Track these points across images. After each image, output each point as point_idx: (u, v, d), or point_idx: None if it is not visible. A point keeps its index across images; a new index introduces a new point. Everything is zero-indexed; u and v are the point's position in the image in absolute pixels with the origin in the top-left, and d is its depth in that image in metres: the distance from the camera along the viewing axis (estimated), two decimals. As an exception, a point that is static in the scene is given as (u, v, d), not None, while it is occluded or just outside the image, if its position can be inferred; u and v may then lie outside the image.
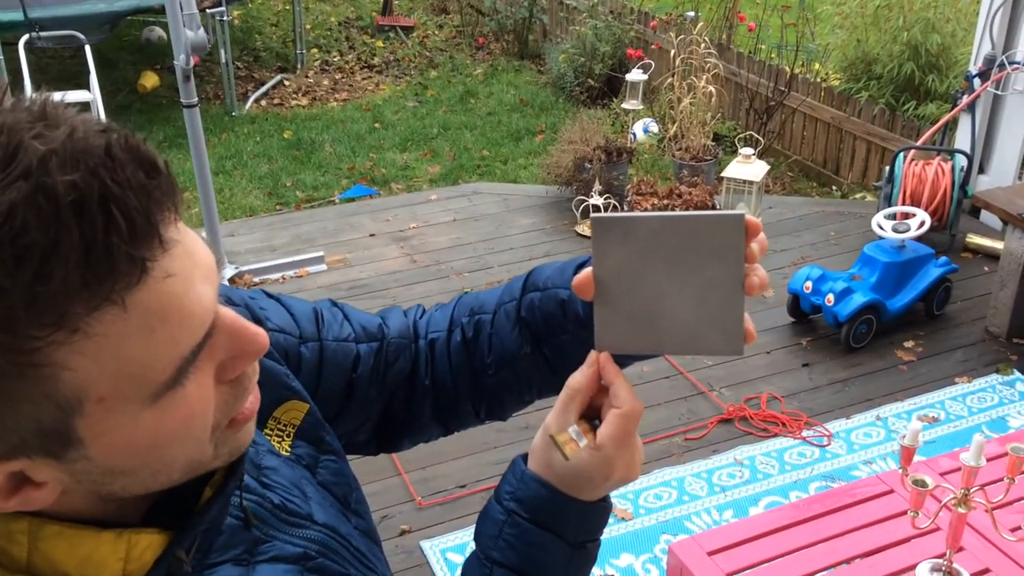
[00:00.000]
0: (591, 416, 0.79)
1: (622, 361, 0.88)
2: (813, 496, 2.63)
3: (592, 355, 0.79)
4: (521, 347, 0.93)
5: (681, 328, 0.76)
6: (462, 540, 2.92)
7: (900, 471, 1.86)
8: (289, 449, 0.83)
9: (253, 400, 0.68)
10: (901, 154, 4.55)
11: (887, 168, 4.61)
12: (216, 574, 0.68)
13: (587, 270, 0.76)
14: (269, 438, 0.82)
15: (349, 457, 0.92)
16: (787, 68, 5.84)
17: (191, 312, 0.58)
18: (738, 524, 2.34)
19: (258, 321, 0.88)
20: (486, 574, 0.80)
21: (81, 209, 0.51)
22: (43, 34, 5.73)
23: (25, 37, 5.65)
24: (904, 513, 2.09)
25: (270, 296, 0.94)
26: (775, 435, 3.39)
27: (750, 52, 6.33)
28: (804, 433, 3.39)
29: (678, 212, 0.74)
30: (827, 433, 3.39)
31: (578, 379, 0.78)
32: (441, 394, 0.99)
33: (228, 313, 0.63)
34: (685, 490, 3.13)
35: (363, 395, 0.96)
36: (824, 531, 2.17)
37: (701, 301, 0.75)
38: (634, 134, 5.84)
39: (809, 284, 3.85)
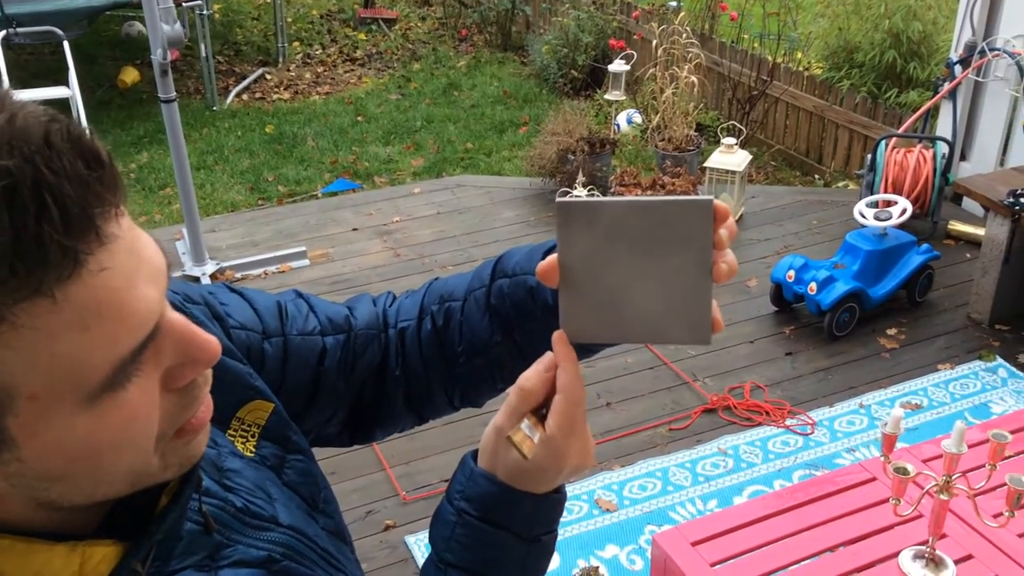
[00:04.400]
0: (538, 407, 0.77)
1: (590, 349, 0.86)
2: (796, 484, 2.62)
3: (547, 356, 0.76)
4: (492, 335, 0.91)
5: (647, 316, 0.73)
6: (447, 534, 2.91)
7: (882, 459, 1.86)
8: (254, 450, 0.81)
9: (204, 411, 0.65)
10: (883, 142, 4.56)
11: (869, 156, 4.62)
12: None
13: (552, 256, 0.74)
14: (233, 439, 0.80)
15: (325, 450, 0.90)
16: (769, 57, 5.84)
17: (132, 311, 0.56)
18: (722, 514, 2.34)
19: (218, 317, 0.86)
20: None
21: (12, 196, 0.50)
22: (21, 30, 5.67)
23: (2, 33, 5.61)
24: (887, 501, 2.10)
25: (232, 291, 0.92)
26: (759, 424, 3.40)
27: (732, 42, 6.33)
28: (788, 422, 3.40)
29: (645, 197, 0.71)
30: (810, 421, 3.40)
31: (532, 380, 0.76)
32: (413, 383, 0.97)
33: (178, 318, 0.61)
34: (669, 480, 3.13)
35: (331, 388, 0.94)
36: (807, 519, 2.18)
37: (668, 289, 0.72)
38: (617, 125, 5.83)
39: (792, 273, 3.85)
